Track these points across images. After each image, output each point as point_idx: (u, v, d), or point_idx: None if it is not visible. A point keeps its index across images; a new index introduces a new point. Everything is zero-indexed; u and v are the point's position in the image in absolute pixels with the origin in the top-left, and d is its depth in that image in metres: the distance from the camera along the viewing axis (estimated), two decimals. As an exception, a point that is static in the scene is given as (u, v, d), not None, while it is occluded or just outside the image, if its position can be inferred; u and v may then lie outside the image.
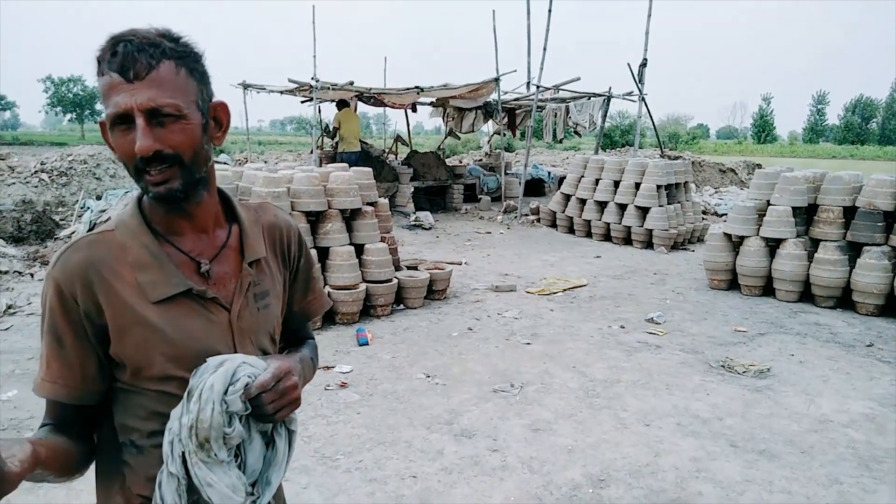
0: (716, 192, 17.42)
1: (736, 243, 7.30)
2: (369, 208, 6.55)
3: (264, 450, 1.08)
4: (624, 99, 13.33)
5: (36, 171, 14.85)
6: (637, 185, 10.27)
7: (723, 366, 4.98)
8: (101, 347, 1.06)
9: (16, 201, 13.24)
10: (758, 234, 7.10)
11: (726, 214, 13.07)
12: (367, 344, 5.32)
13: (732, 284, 7.42)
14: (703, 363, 5.06)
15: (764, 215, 7.12)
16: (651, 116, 13.62)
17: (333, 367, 4.78)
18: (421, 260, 7.59)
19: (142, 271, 1.06)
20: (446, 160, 15.90)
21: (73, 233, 9.71)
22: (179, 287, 1.07)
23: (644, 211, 10.08)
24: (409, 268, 7.00)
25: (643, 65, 12.30)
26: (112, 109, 1.00)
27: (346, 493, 3.14)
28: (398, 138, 15.93)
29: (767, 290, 7.15)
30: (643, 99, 12.46)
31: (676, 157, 16.61)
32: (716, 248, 7.41)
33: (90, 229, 9.67)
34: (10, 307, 6.05)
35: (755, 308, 6.70)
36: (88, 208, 10.71)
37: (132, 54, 1.00)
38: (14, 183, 14.41)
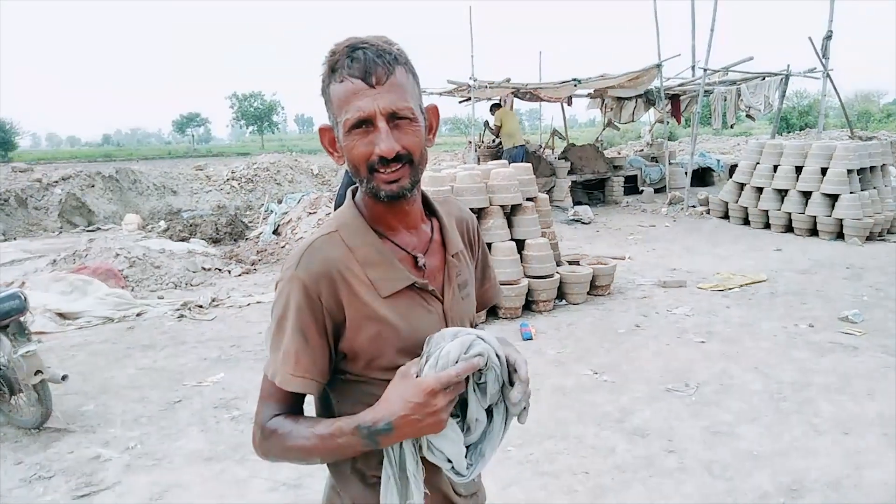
0: (921, 175, 15.26)
1: (952, 232, 6.36)
2: (529, 203, 6.55)
3: (485, 424, 1.13)
4: (805, 76, 12.13)
5: (227, 180, 16.67)
6: (823, 171, 9.29)
7: (939, 371, 4.37)
8: (334, 343, 1.13)
9: (212, 207, 14.96)
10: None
11: (936, 199, 11.45)
12: (531, 339, 5.34)
13: (947, 279, 6.48)
14: (912, 368, 4.48)
15: None
16: (838, 94, 12.26)
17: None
18: (582, 255, 7.45)
19: (371, 268, 1.13)
20: (605, 152, 15.45)
21: (260, 233, 10.76)
22: (406, 281, 1.14)
23: (833, 198, 9.09)
24: (570, 263, 6.91)
25: (828, 37, 11.11)
26: (355, 114, 1.05)
27: (518, 484, 3.18)
28: (555, 132, 15.74)
29: None
30: (828, 75, 11.26)
31: (870, 138, 14.78)
32: (925, 238, 6.50)
33: (275, 230, 10.66)
34: (213, 300, 6.84)
35: (979, 306, 5.79)
36: (272, 211, 11.79)
37: (373, 60, 1.05)
38: (210, 190, 16.29)
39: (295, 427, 1.11)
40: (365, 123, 1.06)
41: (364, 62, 1.05)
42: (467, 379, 1.07)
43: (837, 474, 3.19)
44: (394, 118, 1.07)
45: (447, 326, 1.17)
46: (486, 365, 1.05)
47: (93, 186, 14.25)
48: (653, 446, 3.52)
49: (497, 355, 1.08)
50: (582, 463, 3.37)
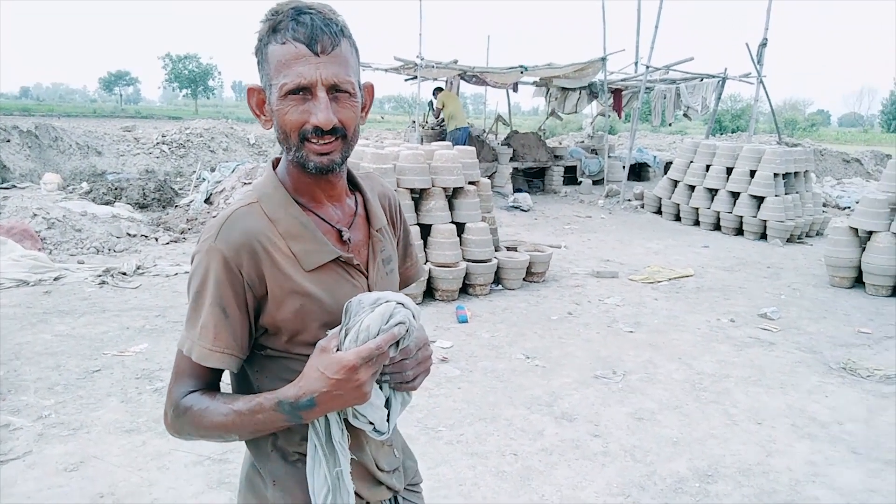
0: (838, 184, 16.19)
1: (863, 238, 6.77)
2: (471, 187, 6.57)
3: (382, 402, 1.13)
4: (740, 81, 12.63)
5: (157, 143, 15.95)
6: (752, 173, 9.71)
7: (844, 368, 4.66)
8: (254, 317, 1.09)
9: (140, 170, 14.31)
10: (889, 230, 6.55)
11: (849, 207, 12.18)
12: (466, 322, 5.37)
13: (856, 282, 6.90)
14: (821, 363, 4.76)
15: (897, 209, 6.55)
16: (769, 100, 12.81)
17: (434, 342, 4.86)
18: (520, 241, 7.54)
19: (294, 241, 1.09)
20: (547, 141, 15.64)
21: (191, 201, 10.36)
22: (330, 255, 1.11)
23: (759, 200, 9.52)
24: (508, 249, 6.98)
25: (763, 45, 11.58)
26: (295, 79, 1.02)
27: (448, 463, 3.20)
28: (499, 118, 15.82)
29: (897, 290, 6.60)
30: (762, 81, 11.74)
31: (795, 145, 15.56)
32: (839, 243, 6.90)
33: (206, 199, 10.29)
34: (139, 268, 6.55)
35: (882, 309, 6.20)
36: (205, 179, 11.37)
37: (320, 28, 1.02)
38: (139, 153, 15.55)
39: (212, 403, 1.07)
40: (303, 91, 1.03)
41: (311, 28, 1.02)
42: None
43: (749, 461, 3.36)
44: (334, 90, 1.04)
45: None
46: (406, 332, 1.03)
47: (8, 141, 13.33)
48: (579, 430, 3.61)
49: (414, 317, 1.06)
50: (511, 445, 3.42)
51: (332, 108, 1.04)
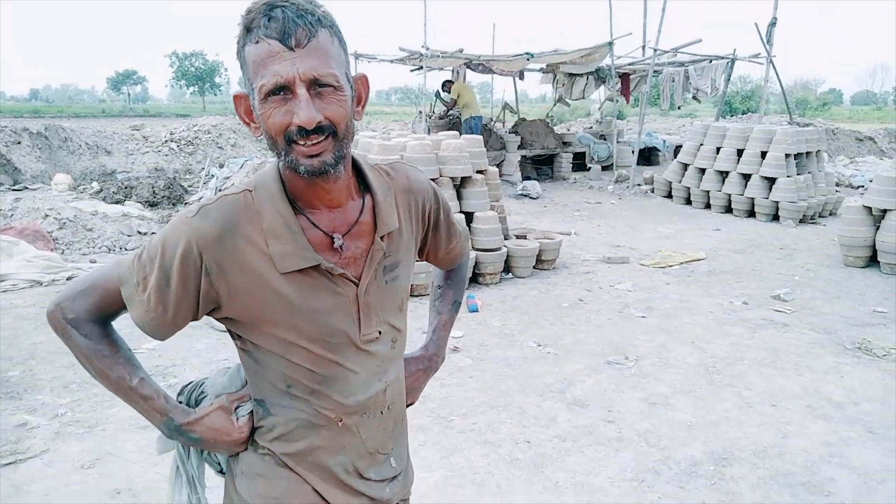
0: (851, 163, 15.99)
1: (877, 217, 6.69)
2: (479, 176, 6.54)
3: None
4: (750, 61, 12.45)
5: (166, 141, 16.01)
6: (763, 154, 9.60)
7: (859, 348, 4.62)
8: (203, 304, 1.07)
9: (149, 169, 14.38)
10: (904, 208, 6.46)
11: (863, 186, 12.01)
12: (476, 311, 5.36)
13: (871, 262, 6.82)
14: (836, 344, 4.71)
15: (912, 186, 6.45)
16: (780, 80, 12.64)
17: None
18: (529, 229, 7.51)
19: (274, 240, 1.05)
20: (554, 128, 15.55)
21: (200, 198, 10.40)
22: (309, 262, 1.06)
23: (770, 181, 9.42)
24: (517, 237, 6.96)
25: (772, 24, 11.39)
26: (272, 79, 0.96)
27: (461, 452, 3.21)
28: (506, 106, 15.73)
29: (912, 268, 6.52)
30: (771, 61, 11.58)
31: (807, 125, 15.37)
32: (853, 223, 6.82)
33: (216, 195, 10.32)
34: (150, 265, 6.58)
35: (898, 288, 6.13)
36: (213, 175, 11.42)
37: (292, 20, 0.95)
38: (147, 152, 15.62)
39: (112, 356, 1.12)
40: (283, 90, 0.97)
41: (283, 21, 0.95)
42: None
43: (764, 443, 3.34)
44: (315, 85, 0.97)
45: (359, 310, 1.13)
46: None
47: (19, 143, 13.43)
48: (592, 416, 3.60)
49: None
50: (524, 432, 3.42)
51: (317, 105, 0.98)
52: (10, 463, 3.07)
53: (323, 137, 1.00)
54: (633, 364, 4.33)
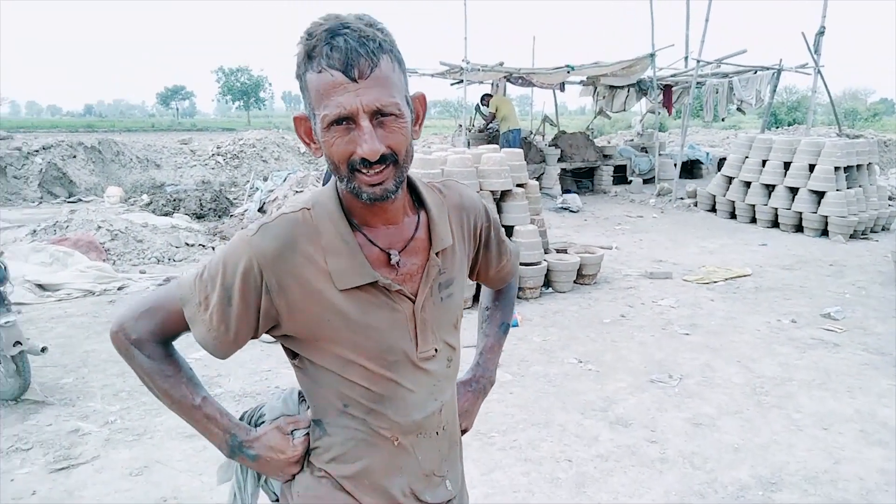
0: (904, 176, 15.43)
1: (934, 233, 6.43)
2: (519, 190, 6.53)
3: None
4: (796, 72, 12.17)
5: (212, 155, 16.46)
6: (811, 167, 9.35)
7: (917, 370, 4.44)
8: (263, 322, 1.09)
9: (197, 181, 14.77)
10: (963, 223, 6.20)
11: (919, 200, 11.56)
12: (517, 326, 5.33)
13: (928, 279, 6.57)
14: (891, 366, 4.54)
15: (972, 201, 6.19)
16: (828, 90, 12.31)
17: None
18: (570, 243, 7.46)
19: (333, 257, 1.06)
20: (595, 141, 15.43)
21: (245, 210, 10.63)
22: (367, 278, 1.07)
23: (819, 195, 9.16)
24: (557, 251, 6.91)
25: (820, 33, 11.11)
26: (335, 110, 0.97)
27: (502, 469, 3.19)
28: (546, 119, 15.69)
29: (973, 287, 6.24)
30: (819, 72, 11.29)
31: (857, 136, 14.91)
32: (908, 238, 6.57)
33: (260, 208, 10.53)
34: (197, 276, 6.75)
35: (957, 307, 5.88)
36: (258, 188, 11.65)
37: (355, 50, 0.96)
38: (195, 165, 16.08)
39: (175, 375, 1.14)
40: (346, 120, 0.98)
41: (345, 52, 0.95)
42: None
43: (815, 469, 3.23)
44: (379, 115, 0.99)
45: (416, 327, 1.14)
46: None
47: (74, 157, 13.99)
48: (635, 436, 3.54)
49: None
50: (565, 451, 3.38)
51: (379, 136, 0.99)
52: (64, 468, 3.17)
53: (385, 166, 1.02)
54: (677, 383, 4.24)
